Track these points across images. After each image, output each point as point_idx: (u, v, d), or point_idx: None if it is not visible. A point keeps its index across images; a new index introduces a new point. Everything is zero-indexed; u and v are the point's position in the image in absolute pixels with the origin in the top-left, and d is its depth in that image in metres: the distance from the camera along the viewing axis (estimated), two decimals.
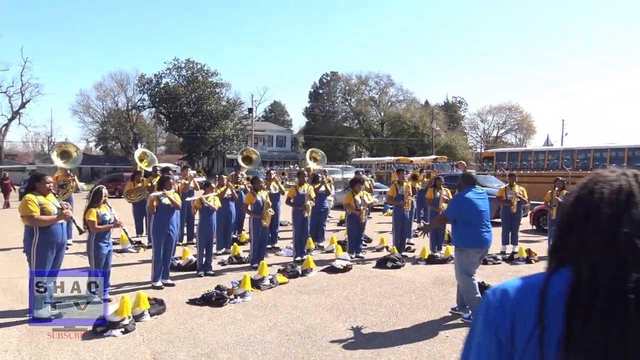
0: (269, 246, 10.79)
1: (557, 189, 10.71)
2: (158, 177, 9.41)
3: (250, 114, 55.35)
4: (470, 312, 5.99)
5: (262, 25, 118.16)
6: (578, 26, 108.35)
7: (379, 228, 14.41)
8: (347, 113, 70.67)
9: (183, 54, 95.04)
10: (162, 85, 56.73)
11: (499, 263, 9.59)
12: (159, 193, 7.51)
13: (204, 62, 61.26)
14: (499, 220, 11.33)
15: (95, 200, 6.65)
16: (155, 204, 7.46)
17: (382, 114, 69.00)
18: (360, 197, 9.92)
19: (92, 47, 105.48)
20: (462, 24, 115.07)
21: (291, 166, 49.14)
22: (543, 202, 12.09)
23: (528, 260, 9.69)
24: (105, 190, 6.88)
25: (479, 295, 5.98)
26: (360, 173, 14.87)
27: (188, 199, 9.55)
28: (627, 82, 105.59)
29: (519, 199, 10.77)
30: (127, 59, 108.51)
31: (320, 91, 71.34)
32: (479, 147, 74.85)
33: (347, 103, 70.42)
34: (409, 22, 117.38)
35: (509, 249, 10.53)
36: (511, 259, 9.78)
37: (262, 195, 9.09)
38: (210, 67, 58.08)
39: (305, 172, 10.82)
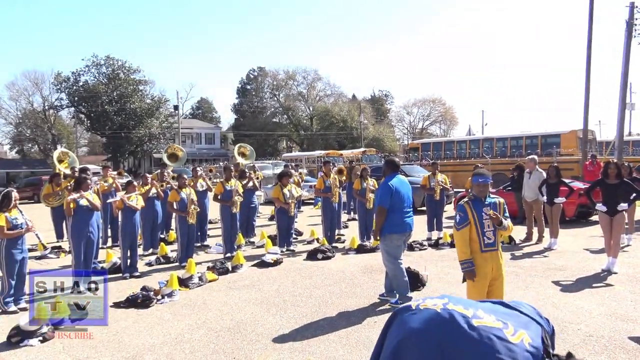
0: (198, 244, 10.62)
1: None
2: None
3: (177, 112, 53.87)
4: (397, 296, 6.15)
5: (184, 20, 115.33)
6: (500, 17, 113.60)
7: (310, 221, 14.47)
8: (276, 108, 70.42)
9: (102, 51, 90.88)
10: (80, 84, 53.87)
11: (425, 249, 9.91)
12: (75, 195, 7.16)
13: (125, 58, 58.92)
14: (424, 208, 11.70)
15: (4, 204, 6.28)
16: (72, 206, 7.11)
17: (311, 109, 69.31)
18: (289, 190, 9.93)
19: (1, 46, 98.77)
20: (384, 19, 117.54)
21: (221, 163, 48.27)
22: (464, 189, 12.59)
23: (452, 245, 10.04)
24: (15, 194, 6.49)
25: (406, 278, 6.17)
26: (290, 167, 14.90)
27: (109, 200, 9.18)
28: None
29: (441, 187, 11.16)
30: (41, 57, 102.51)
31: (248, 87, 70.62)
32: (406, 138, 76.96)
33: (275, 98, 70.16)
34: (334, 16, 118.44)
35: (435, 235, 10.91)
36: (436, 245, 10.13)
37: (187, 192, 8.90)
38: (132, 64, 55.88)
39: (232, 168, 10.67)
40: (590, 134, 22.30)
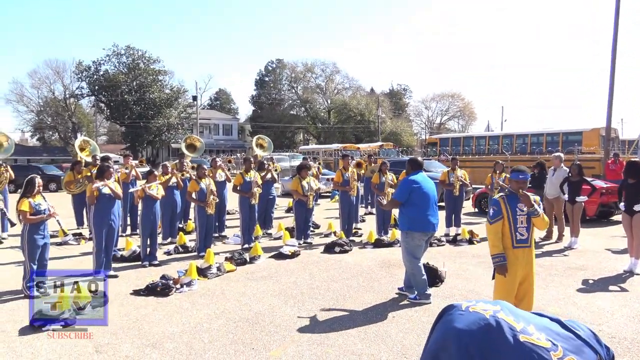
0: (217, 234, 10.68)
1: (497, 172, 11.08)
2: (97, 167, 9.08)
3: (195, 102, 54.06)
4: (415, 292, 6.13)
5: (204, 11, 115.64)
6: (516, 18, 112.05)
7: (327, 214, 14.48)
8: (293, 101, 70.38)
9: (123, 41, 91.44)
10: (101, 73, 54.45)
11: (443, 245, 9.85)
12: (99, 183, 7.24)
13: (145, 49, 59.30)
14: (443, 203, 11.62)
15: (28, 190, 6.37)
16: (95, 194, 7.19)
17: (329, 102, 69.15)
18: (307, 183, 9.94)
19: (23, 34, 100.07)
20: (406, 13, 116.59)
21: (238, 154, 48.49)
22: (484, 185, 12.47)
23: (470, 241, 9.98)
24: (39, 180, 6.59)
25: (424, 277, 6.14)
26: (308, 160, 14.89)
27: (131, 190, 9.27)
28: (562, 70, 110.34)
29: (460, 183, 11.07)
30: (63, 46, 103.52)
31: (267, 79, 70.60)
32: (423, 133, 76.45)
33: (293, 91, 70.09)
34: (355, 8, 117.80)
35: (453, 231, 10.83)
36: (454, 241, 10.05)
37: (206, 182, 8.95)
38: (152, 54, 56.26)
39: (252, 159, 10.69)
40: (613, 132, 21.93)
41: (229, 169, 13.03)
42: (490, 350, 2.19)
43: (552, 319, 2.41)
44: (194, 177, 9.28)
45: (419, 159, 6.53)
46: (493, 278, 4.84)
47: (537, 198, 4.77)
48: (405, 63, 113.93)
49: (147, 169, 12.63)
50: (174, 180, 9.82)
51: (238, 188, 9.79)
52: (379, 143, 41.45)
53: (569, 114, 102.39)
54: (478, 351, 2.20)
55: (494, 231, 4.67)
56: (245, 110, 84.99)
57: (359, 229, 11.49)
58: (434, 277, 6.80)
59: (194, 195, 8.87)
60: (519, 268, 4.64)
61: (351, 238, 10.31)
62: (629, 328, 5.10)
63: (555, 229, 10.28)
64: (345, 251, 9.13)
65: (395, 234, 9.69)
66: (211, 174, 10.58)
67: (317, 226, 12.03)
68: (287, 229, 10.54)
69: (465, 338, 2.26)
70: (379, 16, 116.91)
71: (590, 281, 7.02)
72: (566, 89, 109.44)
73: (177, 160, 11.96)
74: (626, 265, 7.59)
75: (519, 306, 4.62)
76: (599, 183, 12.42)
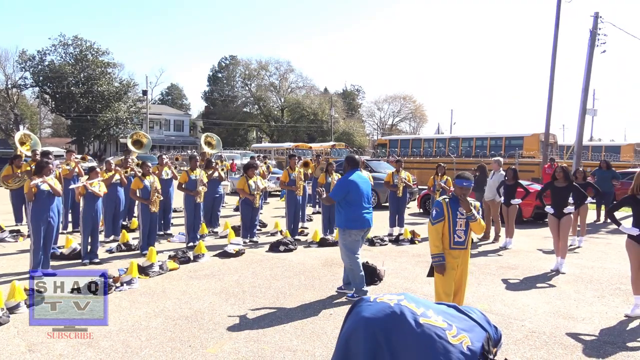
0: (162, 232, 10.61)
1: (439, 174, 11.47)
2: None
3: (145, 96, 52.95)
4: (354, 290, 6.32)
5: (157, 4, 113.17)
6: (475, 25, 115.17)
7: (275, 213, 14.57)
8: (247, 98, 69.91)
9: (70, 31, 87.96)
10: (46, 63, 52.45)
11: (386, 244, 10.11)
12: (37, 180, 7.08)
13: (93, 39, 57.52)
14: (387, 204, 11.92)
15: None
16: (33, 190, 7.03)
17: (283, 100, 69.08)
18: (254, 182, 10.00)
19: None
20: (360, 14, 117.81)
21: (189, 151, 47.80)
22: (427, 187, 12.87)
23: (412, 241, 10.30)
24: None
25: (362, 273, 6.35)
26: (256, 159, 14.94)
27: (72, 185, 9.07)
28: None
29: (404, 184, 11.39)
30: (5, 34, 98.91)
31: (220, 75, 69.81)
32: (375, 134, 77.44)
33: (247, 88, 69.60)
34: (309, 8, 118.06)
35: (396, 231, 11.14)
36: (397, 240, 10.34)
37: (150, 180, 8.89)
38: (101, 45, 54.65)
39: (199, 157, 10.65)
40: (551, 138, 23.02)
41: (175, 167, 12.89)
42: (394, 333, 2.44)
43: (449, 306, 2.65)
44: (138, 175, 9.18)
45: (356, 157, 6.71)
46: (428, 275, 5.07)
47: (477, 204, 5.03)
48: (360, 64, 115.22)
49: (92, 164, 12.39)
50: (117, 177, 9.69)
51: (183, 186, 9.76)
52: (331, 143, 41.79)
53: (529, 118, 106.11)
54: (384, 335, 2.45)
55: (435, 232, 4.89)
56: (197, 106, 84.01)
57: (306, 228, 11.64)
58: (373, 275, 7.02)
59: (138, 193, 8.79)
60: (454, 267, 4.90)
61: (297, 237, 10.45)
62: (548, 323, 5.45)
63: (492, 229, 10.75)
64: (290, 250, 9.26)
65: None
66: (157, 172, 10.50)
67: (264, 225, 12.11)
68: (233, 227, 10.57)
69: (372, 325, 2.48)
70: (335, 17, 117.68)
71: (518, 280, 7.42)
72: (517, 91, 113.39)
73: (122, 157, 11.78)
74: (553, 265, 8.06)
75: (453, 299, 4.92)
76: (536, 186, 13.03)
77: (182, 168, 18.74)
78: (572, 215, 8.26)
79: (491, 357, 2.39)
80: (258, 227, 11.04)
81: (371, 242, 10.00)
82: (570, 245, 10.13)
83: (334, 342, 4.80)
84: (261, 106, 67.56)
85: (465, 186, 4.86)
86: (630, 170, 18.25)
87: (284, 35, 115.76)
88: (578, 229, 10.48)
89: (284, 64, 69.81)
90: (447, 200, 4.95)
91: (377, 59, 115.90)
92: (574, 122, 19.70)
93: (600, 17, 19.46)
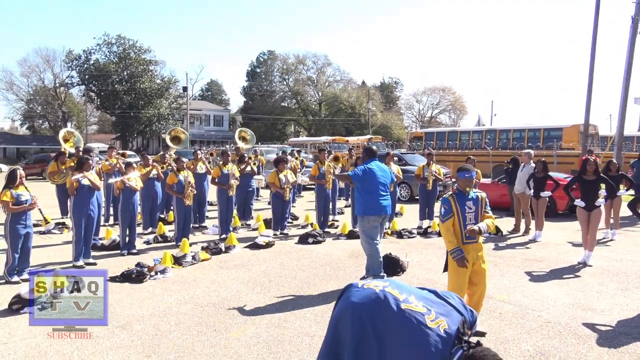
0: (197, 225, 11.03)
1: None
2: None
3: (186, 93, 54.22)
4: (372, 276, 6.52)
5: (197, 2, 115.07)
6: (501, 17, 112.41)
7: (308, 206, 14.84)
8: (285, 92, 70.54)
9: (114, 31, 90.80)
10: (91, 62, 54.55)
11: (414, 236, 10.23)
12: (78, 175, 7.56)
13: (136, 38, 59.21)
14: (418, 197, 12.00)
15: (10, 181, 6.69)
16: (75, 185, 7.51)
17: (320, 94, 69.36)
18: (285, 175, 10.29)
19: (12, 20, 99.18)
20: (397, 6, 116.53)
21: (227, 146, 48.69)
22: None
23: (440, 234, 10.35)
24: (21, 172, 6.92)
25: (381, 259, 6.55)
26: (287, 153, 15.25)
27: (110, 180, 9.56)
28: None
29: (434, 177, 11.46)
30: (53, 34, 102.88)
31: (258, 70, 70.71)
32: (414, 127, 76.81)
33: (284, 82, 70.25)
34: (347, 1, 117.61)
35: (425, 223, 11.23)
36: (425, 233, 10.44)
37: (184, 175, 9.29)
38: (143, 43, 56.31)
39: (231, 152, 11.01)
40: (592, 129, 22.43)
41: (209, 162, 13.31)
42: (378, 317, 2.68)
43: (430, 291, 2.89)
44: (173, 169, 9.61)
45: (374, 147, 6.91)
46: (444, 270, 5.19)
47: (484, 195, 5.09)
48: (398, 56, 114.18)
49: (133, 159, 12.93)
50: (154, 172, 10.14)
51: (216, 180, 10.13)
52: (368, 136, 41.73)
53: (566, 109, 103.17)
54: (368, 318, 2.69)
55: (446, 228, 4.96)
56: (236, 101, 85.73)
57: (336, 220, 11.86)
58: (395, 266, 7.20)
59: (173, 187, 9.21)
60: (469, 260, 4.99)
61: (326, 230, 10.69)
62: (566, 314, 5.51)
63: (523, 222, 10.70)
64: (319, 242, 9.51)
65: None
66: (192, 166, 10.93)
67: (295, 218, 12.40)
68: (265, 220, 10.90)
69: (358, 309, 2.73)
70: (372, 9, 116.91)
71: (545, 272, 7.43)
72: (564, 83, 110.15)
73: (161, 153, 12.27)
74: (580, 257, 8.02)
75: (474, 294, 5.01)
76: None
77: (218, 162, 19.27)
78: (602, 208, 8.18)
79: (465, 338, 2.57)
80: (289, 220, 11.34)
81: (399, 235, 10.15)
82: (603, 238, 10.02)
83: None
84: (299, 100, 68.04)
85: (467, 177, 4.93)
86: None
87: (321, 29, 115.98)
88: (611, 221, 10.32)
89: (321, 57, 70.15)
90: (454, 195, 5.02)
91: (415, 51, 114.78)
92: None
93: None
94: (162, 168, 10.81)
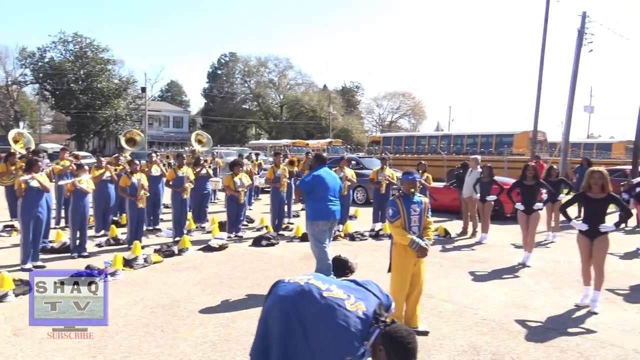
0: (151, 228, 11.00)
1: (419, 171, 11.81)
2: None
3: (144, 93, 53.31)
4: None
5: (157, 1, 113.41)
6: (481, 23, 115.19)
7: (264, 209, 14.94)
8: (246, 95, 70.35)
9: (70, 29, 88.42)
10: (46, 60, 52.89)
11: (366, 239, 10.49)
12: (27, 176, 7.48)
13: (93, 37, 57.79)
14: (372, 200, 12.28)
15: None
16: (23, 187, 7.43)
17: (282, 97, 69.55)
18: (239, 179, 10.39)
19: None
20: (357, 12, 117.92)
21: (186, 148, 48.21)
22: None
23: (392, 236, 10.65)
24: None
25: (329, 261, 6.76)
26: (243, 156, 15.35)
27: (60, 182, 9.46)
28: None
29: (387, 181, 11.77)
30: (6, 31, 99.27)
31: (219, 72, 70.22)
32: (375, 131, 77.78)
33: (246, 85, 70.08)
34: (310, 5, 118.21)
35: (378, 226, 11.52)
36: (377, 235, 10.73)
37: (137, 177, 9.28)
38: (101, 42, 55.06)
39: (187, 155, 11.04)
40: (541, 135, 23.37)
41: (164, 164, 13.26)
42: (303, 308, 2.93)
43: (350, 281, 3.22)
44: (127, 172, 9.58)
45: (324, 154, 7.14)
46: (388, 271, 5.44)
47: (426, 200, 5.37)
48: (359, 61, 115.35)
49: (92, 160, 12.75)
50: (107, 174, 10.08)
51: (170, 183, 10.15)
52: (328, 140, 42.17)
53: (523, 115, 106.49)
54: (294, 310, 2.94)
55: (396, 229, 5.19)
56: (197, 102, 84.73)
57: (291, 223, 12.03)
58: (344, 268, 7.41)
59: (125, 190, 9.19)
60: (410, 262, 5.23)
61: (281, 232, 10.84)
62: (500, 312, 5.84)
63: (470, 225, 11.11)
64: (272, 244, 9.65)
65: None
66: (146, 169, 10.90)
67: (251, 220, 12.50)
68: (220, 223, 10.96)
69: (285, 302, 2.99)
70: (335, 14, 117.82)
71: (487, 272, 7.80)
72: (521, 89, 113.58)
73: (116, 155, 12.17)
74: (520, 258, 8.45)
75: (411, 294, 5.26)
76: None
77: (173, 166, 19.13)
78: (540, 212, 8.63)
79: (382, 319, 2.82)
80: (244, 223, 11.44)
81: (351, 237, 10.40)
82: (545, 240, 10.55)
83: None
84: (260, 103, 68.00)
85: (410, 179, 5.20)
86: (618, 167, 18.59)
87: (284, 33, 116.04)
88: (553, 224, 10.85)
89: (283, 60, 70.29)
90: (401, 197, 5.28)
91: (377, 57, 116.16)
92: (574, 119, 20.06)
93: (588, 16, 19.78)
94: (116, 170, 10.74)
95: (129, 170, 9.42)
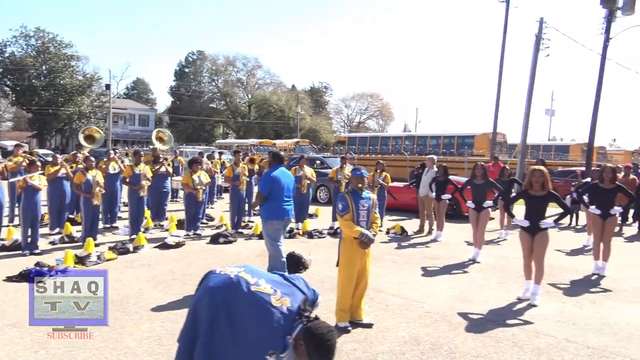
0: (108, 225, 10.89)
1: (377, 171, 12.05)
2: None
3: (108, 90, 52.32)
4: None
5: None
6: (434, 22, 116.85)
7: (226, 207, 14.92)
8: (214, 94, 69.87)
9: (32, 23, 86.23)
10: (6, 55, 51.40)
11: (324, 237, 10.62)
12: None
13: (56, 32, 56.48)
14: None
15: None
16: None
17: (250, 96, 69.30)
18: (198, 176, 10.39)
19: None
20: (326, 13, 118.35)
21: (151, 146, 47.62)
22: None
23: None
24: None
25: (284, 259, 6.85)
26: (203, 154, 15.33)
27: (11, 179, 9.30)
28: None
29: (347, 180, 11.92)
30: None
31: (187, 70, 69.52)
32: (343, 131, 78.17)
33: (214, 83, 69.61)
34: (280, 5, 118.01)
35: (337, 224, 11.64)
36: (335, 233, 10.86)
37: (93, 174, 9.19)
38: (64, 38, 53.82)
39: (146, 153, 10.97)
40: (501, 137, 23.97)
41: (122, 161, 13.12)
42: (231, 299, 3.01)
43: (279, 275, 3.28)
44: (81, 169, 9.47)
45: (281, 153, 7.21)
46: (337, 265, 5.56)
47: (374, 197, 5.51)
48: (328, 62, 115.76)
49: (49, 158, 12.49)
50: (63, 171, 9.94)
51: (127, 180, 10.08)
52: (295, 140, 42.24)
53: (487, 117, 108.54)
54: (223, 301, 3.02)
55: (346, 222, 5.31)
56: (164, 101, 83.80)
57: (251, 221, 12.06)
58: (298, 264, 7.53)
59: (80, 187, 9.09)
60: (357, 256, 5.37)
61: (240, 230, 10.88)
62: (445, 306, 6.04)
63: (427, 223, 11.37)
64: (230, 242, 9.69)
65: None
66: (104, 166, 10.80)
67: (211, 219, 12.49)
68: (179, 220, 10.93)
69: (214, 293, 3.06)
70: (304, 14, 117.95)
71: (438, 268, 8.02)
72: (486, 92, 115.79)
73: (74, 152, 11.99)
74: (471, 255, 8.71)
75: (357, 288, 5.40)
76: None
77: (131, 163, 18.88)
78: (490, 210, 8.92)
79: (307, 314, 2.92)
80: (204, 221, 11.43)
81: (310, 235, 10.52)
82: (497, 238, 10.88)
83: None
84: (228, 102, 67.62)
85: (358, 175, 5.36)
86: (572, 169, 19.26)
87: (253, 32, 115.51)
88: (505, 222, 11.20)
89: (252, 60, 70.13)
90: (350, 193, 5.42)
91: (346, 57, 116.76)
92: (535, 121, 20.68)
93: (545, 22, 20.38)
94: (72, 167, 10.59)
95: (84, 167, 9.31)
